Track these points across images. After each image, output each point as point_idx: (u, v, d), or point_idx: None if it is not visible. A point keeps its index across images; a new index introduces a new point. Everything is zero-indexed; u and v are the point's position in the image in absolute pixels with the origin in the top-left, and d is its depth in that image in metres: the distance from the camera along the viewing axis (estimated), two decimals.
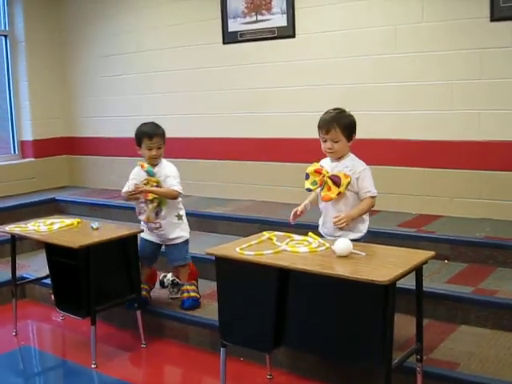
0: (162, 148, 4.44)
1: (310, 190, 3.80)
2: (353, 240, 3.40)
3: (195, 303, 4.41)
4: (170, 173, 4.39)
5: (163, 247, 4.59)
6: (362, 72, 5.56)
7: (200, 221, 5.76)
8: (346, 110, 3.82)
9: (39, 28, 7.69)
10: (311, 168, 3.74)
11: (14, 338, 4.69)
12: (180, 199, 4.49)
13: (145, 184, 4.31)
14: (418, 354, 3.23)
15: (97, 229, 4.26)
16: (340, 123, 3.67)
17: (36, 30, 7.66)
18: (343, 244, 3.21)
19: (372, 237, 4.31)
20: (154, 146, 4.38)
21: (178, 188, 4.34)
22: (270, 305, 3.21)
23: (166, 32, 6.82)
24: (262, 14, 6.04)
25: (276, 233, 3.62)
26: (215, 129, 6.56)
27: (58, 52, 7.86)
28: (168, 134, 6.80)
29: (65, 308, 4.31)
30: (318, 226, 3.91)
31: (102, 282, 4.08)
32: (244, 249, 3.29)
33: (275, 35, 6.00)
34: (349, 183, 3.62)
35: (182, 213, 4.54)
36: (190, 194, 6.60)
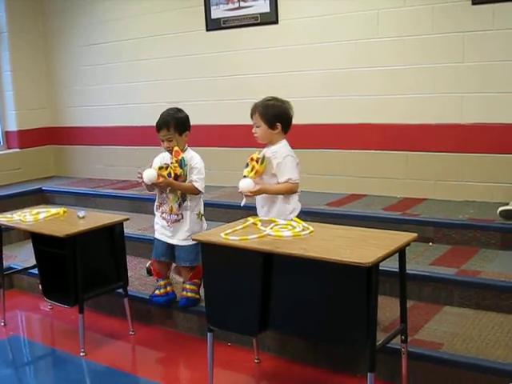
0: (174, 140, 4.23)
1: (245, 177, 3.83)
2: None
3: (190, 303, 4.29)
4: (195, 165, 4.27)
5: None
6: (345, 57, 5.58)
7: None
8: (286, 98, 4.02)
9: (21, 18, 7.64)
10: (250, 156, 3.86)
11: (2, 328, 4.71)
12: (201, 196, 4.41)
13: (164, 168, 4.17)
14: (402, 334, 3.27)
15: (83, 217, 4.27)
16: (261, 110, 3.87)
17: (18, 19, 7.61)
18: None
19: (357, 220, 4.36)
20: (164, 139, 4.24)
21: (198, 185, 4.24)
22: (255, 289, 3.23)
23: (150, 20, 6.81)
24: (244, 1, 6.04)
25: (261, 218, 3.65)
26: (199, 116, 6.54)
27: (41, 42, 7.83)
28: (150, 122, 6.84)
29: (53, 297, 4.33)
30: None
31: (89, 270, 4.10)
32: (229, 234, 3.31)
33: (258, 21, 6.00)
34: (263, 160, 3.78)
35: (203, 212, 4.44)
36: None
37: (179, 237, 4.29)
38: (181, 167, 4.18)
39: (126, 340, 4.34)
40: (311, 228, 3.35)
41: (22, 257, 5.56)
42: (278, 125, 3.85)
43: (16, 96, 7.63)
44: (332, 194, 5.65)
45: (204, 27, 6.37)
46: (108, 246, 4.26)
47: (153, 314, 4.53)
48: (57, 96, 7.89)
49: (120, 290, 4.36)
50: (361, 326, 2.98)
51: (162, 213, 4.34)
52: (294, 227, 3.38)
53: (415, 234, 3.23)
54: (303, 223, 3.44)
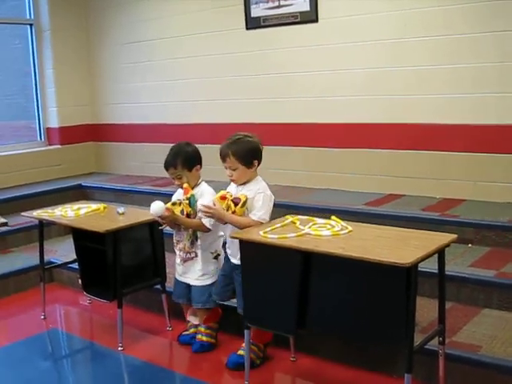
0: (184, 176, 4.00)
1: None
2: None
3: (205, 349, 4.06)
4: (205, 201, 3.87)
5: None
6: (383, 56, 5.55)
7: None
8: (250, 135, 3.77)
9: (64, 16, 7.75)
10: (217, 195, 3.70)
11: (42, 321, 4.79)
12: (221, 236, 4.09)
13: (178, 204, 3.98)
14: (440, 336, 3.25)
15: (123, 214, 4.31)
16: (234, 151, 3.64)
17: (61, 18, 7.72)
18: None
19: (395, 221, 4.33)
20: (173, 177, 4.04)
21: (206, 222, 3.87)
22: (293, 287, 3.25)
23: (190, 18, 6.84)
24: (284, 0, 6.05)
25: (299, 216, 3.65)
26: (238, 114, 6.58)
27: (82, 40, 7.93)
28: (190, 120, 6.89)
29: (92, 292, 4.39)
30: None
31: (128, 265, 4.15)
32: (267, 232, 3.33)
33: (298, 20, 5.99)
34: (245, 203, 3.57)
35: (220, 252, 4.08)
36: (214, 179, 6.64)
37: (192, 276, 4.07)
38: (190, 205, 3.96)
39: (164, 336, 4.38)
40: (350, 227, 3.35)
41: (62, 251, 5.65)
42: (255, 162, 3.68)
43: (58, 93, 7.74)
44: (370, 193, 5.64)
45: (244, 26, 6.38)
46: (147, 242, 4.30)
47: None
48: (98, 93, 7.98)
49: (158, 286, 4.40)
50: (399, 327, 2.97)
51: (179, 250, 4.12)
52: (333, 226, 3.38)
53: (455, 235, 3.21)
54: (342, 222, 3.44)
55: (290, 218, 3.59)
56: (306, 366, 3.86)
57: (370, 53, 5.62)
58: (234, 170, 3.66)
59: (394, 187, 5.62)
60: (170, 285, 4.51)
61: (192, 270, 4.07)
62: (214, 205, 3.63)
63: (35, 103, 7.93)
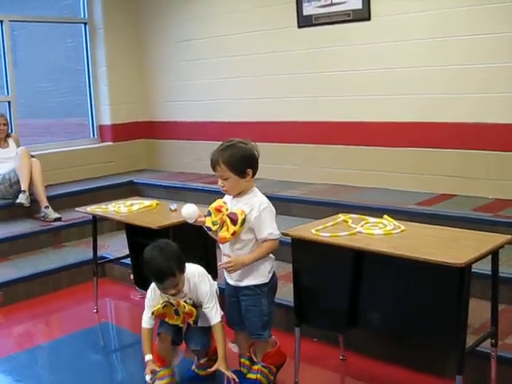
0: (181, 283, 3.37)
1: (209, 230, 3.36)
2: (255, 286, 3.36)
3: None
4: (204, 293, 3.44)
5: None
6: (438, 54, 5.49)
7: (273, 203, 5.75)
8: (246, 141, 3.41)
9: (117, 15, 7.88)
10: (213, 205, 3.35)
11: (94, 314, 4.88)
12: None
13: (169, 305, 3.41)
14: (492, 338, 3.22)
15: (175, 210, 4.35)
16: (225, 159, 3.25)
17: (114, 17, 7.85)
18: (188, 208, 3.41)
19: (447, 221, 4.29)
20: (168, 287, 3.34)
21: (217, 315, 3.43)
22: (344, 286, 3.26)
23: (241, 17, 6.88)
24: None
25: (351, 215, 3.65)
26: (290, 112, 6.59)
27: (134, 38, 8.04)
28: (242, 118, 6.92)
29: (144, 287, 4.43)
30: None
31: None
32: (319, 230, 3.33)
33: (350, 18, 5.98)
34: (244, 220, 3.23)
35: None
36: (264, 177, 6.67)
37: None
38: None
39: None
40: (402, 227, 3.34)
41: (114, 247, 5.73)
42: (249, 171, 3.29)
43: (110, 91, 7.87)
44: (421, 193, 5.59)
45: (296, 24, 6.38)
46: (199, 239, 4.30)
47: None
48: (149, 91, 8.08)
49: None
50: (450, 328, 2.96)
51: None
52: (386, 225, 3.37)
53: (509, 236, 3.17)
54: (394, 221, 3.42)
55: (342, 217, 3.59)
56: (356, 364, 3.85)
57: (422, 51, 5.56)
58: (225, 179, 3.29)
59: (446, 187, 5.56)
60: (220, 282, 4.54)
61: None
62: (211, 215, 3.32)
63: (88, 101, 8.07)
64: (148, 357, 3.47)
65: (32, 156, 6.50)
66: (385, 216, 3.54)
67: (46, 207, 6.29)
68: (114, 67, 7.87)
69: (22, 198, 6.20)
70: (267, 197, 5.68)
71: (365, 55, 5.95)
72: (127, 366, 4.26)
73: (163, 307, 3.37)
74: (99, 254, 5.16)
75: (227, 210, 3.30)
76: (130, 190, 7.07)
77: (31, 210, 6.37)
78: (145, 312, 3.53)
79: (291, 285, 3.59)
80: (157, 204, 4.57)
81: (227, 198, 3.42)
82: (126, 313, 5.24)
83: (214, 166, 3.31)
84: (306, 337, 3.88)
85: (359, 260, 3.22)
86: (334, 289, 3.30)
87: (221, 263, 3.37)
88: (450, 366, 3.21)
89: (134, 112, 8.11)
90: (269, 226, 3.29)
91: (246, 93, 6.93)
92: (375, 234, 3.27)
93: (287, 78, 6.57)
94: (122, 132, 7.97)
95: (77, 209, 4.83)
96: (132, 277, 4.66)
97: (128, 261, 5.01)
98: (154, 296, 3.47)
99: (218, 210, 3.29)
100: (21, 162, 6.35)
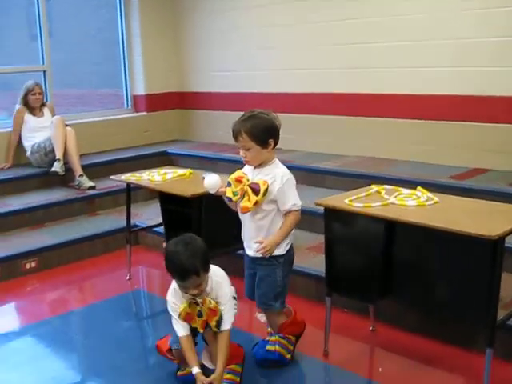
0: (205, 282, 3.11)
1: (230, 200, 3.37)
2: (271, 256, 3.34)
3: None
4: (225, 293, 3.23)
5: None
6: (476, 27, 5.40)
7: (307, 175, 5.82)
8: (268, 111, 3.37)
9: None
10: (233, 176, 3.34)
11: (127, 281, 4.96)
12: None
13: (193, 303, 3.16)
14: None
15: None
16: (247, 130, 3.25)
17: None
18: (210, 179, 3.41)
19: (480, 195, 4.25)
20: (190, 287, 3.09)
21: (229, 321, 3.21)
22: (376, 256, 3.27)
23: None
24: None
25: (385, 186, 3.64)
26: (324, 84, 6.56)
27: (170, 8, 8.01)
28: (277, 89, 6.91)
29: None
30: None
31: (212, 230, 4.22)
32: (353, 200, 3.34)
33: None
34: (266, 190, 3.23)
35: None
36: (298, 149, 6.69)
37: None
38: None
39: (245, 301, 4.41)
40: (436, 198, 3.33)
41: (147, 215, 5.79)
42: (271, 141, 3.28)
43: (145, 61, 7.88)
44: (454, 167, 5.54)
45: None
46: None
47: None
48: (184, 61, 8.07)
49: (240, 252, 4.46)
50: (482, 301, 2.96)
51: None
52: (419, 197, 3.37)
53: None
54: (428, 193, 3.42)
55: (375, 188, 3.59)
56: (385, 336, 3.87)
57: (458, 24, 5.47)
58: (247, 150, 3.28)
59: (480, 161, 5.51)
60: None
61: None
62: (231, 185, 3.32)
63: (122, 71, 8.09)
64: (195, 369, 3.10)
65: (67, 125, 6.56)
66: (418, 187, 3.53)
67: (81, 176, 6.36)
68: (148, 37, 7.87)
69: (57, 167, 6.27)
70: (301, 168, 5.80)
71: (401, 27, 5.86)
72: (158, 332, 4.29)
73: (189, 305, 3.14)
74: (132, 222, 5.19)
75: (248, 180, 3.29)
76: (163, 159, 7.08)
77: (66, 179, 6.45)
78: (173, 321, 3.21)
79: (322, 256, 3.62)
80: (190, 173, 4.60)
81: (247, 169, 3.41)
82: (158, 280, 5.30)
83: (236, 136, 3.31)
84: (337, 307, 3.92)
85: (391, 231, 3.22)
86: (366, 259, 3.31)
87: (257, 249, 3.35)
88: (481, 339, 3.21)
89: (168, 82, 8.11)
90: (292, 197, 3.31)
91: (280, 64, 6.90)
92: (408, 205, 3.27)
93: (322, 50, 6.51)
94: (156, 102, 7.99)
95: (111, 177, 4.88)
96: (164, 244, 4.70)
97: (161, 229, 5.08)
98: (175, 297, 3.21)
99: (239, 181, 3.29)
100: (56, 131, 6.41)
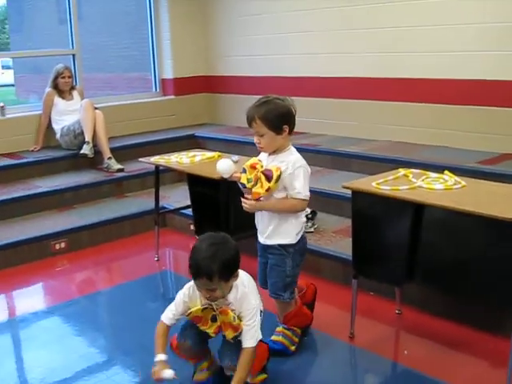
0: (221, 290, 2.88)
1: (244, 187, 3.32)
2: (281, 245, 3.32)
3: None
4: (251, 307, 2.97)
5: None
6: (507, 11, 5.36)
7: (334, 159, 5.84)
8: (286, 97, 3.32)
9: None
10: (248, 163, 3.30)
11: (155, 262, 5.02)
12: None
13: (210, 308, 2.97)
14: None
15: (236, 162, 4.37)
16: (260, 115, 3.20)
17: None
18: (223, 163, 3.42)
19: (509, 180, 4.23)
20: (201, 287, 2.90)
21: (254, 338, 2.96)
22: (403, 239, 3.28)
23: None
24: None
25: (412, 170, 3.65)
26: (352, 68, 6.54)
27: None
28: (305, 73, 6.90)
29: None
30: None
31: (240, 212, 4.24)
32: (380, 183, 3.35)
33: None
34: (279, 176, 3.17)
35: None
36: (325, 133, 6.70)
37: None
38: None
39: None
40: (463, 182, 3.33)
41: (175, 197, 5.85)
42: (286, 127, 3.22)
43: (173, 45, 7.89)
44: (482, 152, 5.51)
45: None
46: None
47: None
48: (212, 45, 8.09)
49: None
50: (510, 284, 2.96)
51: None
52: (446, 181, 3.37)
53: None
54: (455, 177, 3.42)
55: (402, 171, 3.60)
56: (411, 319, 3.89)
57: (488, 8, 5.42)
58: (261, 136, 3.24)
59: (509, 147, 5.48)
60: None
61: None
62: (246, 172, 3.28)
63: (151, 55, 8.12)
64: (160, 357, 2.95)
65: (96, 108, 6.63)
66: (445, 171, 3.54)
67: (109, 158, 6.43)
68: (177, 22, 7.89)
69: (86, 149, 6.34)
70: (328, 152, 5.81)
71: (430, 11, 5.81)
72: None
73: (203, 310, 2.96)
74: (160, 204, 5.23)
75: (262, 166, 3.25)
76: (191, 143, 7.12)
77: (94, 161, 6.53)
78: (171, 306, 3.08)
79: (348, 239, 3.65)
80: (219, 155, 4.63)
81: (263, 156, 3.38)
82: (185, 262, 5.28)
83: (250, 122, 3.27)
84: (363, 290, 3.93)
85: (418, 214, 3.23)
86: (393, 242, 3.33)
87: (244, 202, 3.35)
88: (508, 324, 3.21)
89: (197, 66, 8.12)
90: (298, 185, 3.22)
91: (309, 48, 6.89)
92: (436, 188, 3.28)
93: (351, 34, 6.48)
94: (184, 86, 8.01)
95: (140, 159, 4.93)
96: (192, 227, 4.76)
97: (188, 211, 5.14)
98: (192, 294, 3.03)
99: (253, 168, 3.25)
100: (85, 114, 6.48)
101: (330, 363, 3.52)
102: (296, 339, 3.53)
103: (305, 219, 3.46)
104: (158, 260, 5.03)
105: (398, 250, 3.32)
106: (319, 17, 6.74)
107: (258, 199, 3.27)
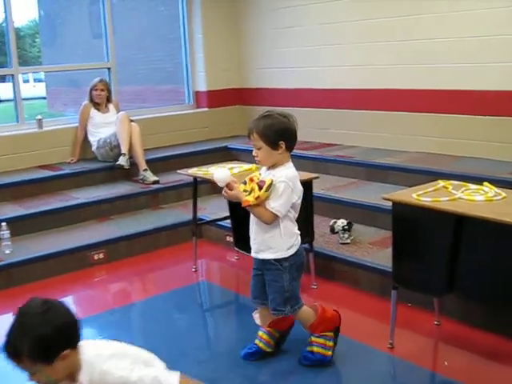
0: (43, 376, 2.21)
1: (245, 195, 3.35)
2: (276, 260, 3.34)
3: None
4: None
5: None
6: None
7: (369, 171, 5.86)
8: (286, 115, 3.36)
9: None
10: (249, 176, 3.39)
11: (193, 273, 5.08)
12: None
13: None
14: None
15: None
16: (258, 129, 3.27)
17: None
18: (220, 173, 3.40)
19: None
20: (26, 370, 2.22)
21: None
22: (444, 251, 3.30)
23: None
24: None
25: (452, 181, 3.66)
26: (385, 80, 6.56)
27: (231, 5, 8.09)
28: (338, 86, 6.93)
29: (242, 247, 4.57)
30: None
31: None
32: (420, 195, 3.38)
33: None
34: (269, 186, 3.21)
35: None
36: (358, 145, 6.72)
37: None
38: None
39: (309, 294, 4.48)
40: (504, 193, 3.35)
41: (210, 209, 5.89)
42: (282, 143, 3.25)
43: (206, 58, 7.97)
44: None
45: None
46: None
47: (335, 271, 4.69)
48: (244, 58, 8.16)
49: (306, 246, 4.52)
50: None
51: None
52: (486, 192, 3.39)
53: None
54: (495, 188, 3.43)
55: (442, 183, 3.62)
56: (450, 330, 3.89)
57: None
58: (258, 149, 3.30)
59: None
60: (316, 244, 4.64)
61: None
62: (246, 183, 3.35)
63: (184, 68, 8.21)
64: None
65: (131, 121, 6.71)
66: (485, 183, 3.54)
67: (145, 170, 6.51)
68: (210, 34, 7.97)
69: (123, 160, 6.42)
70: (362, 164, 5.82)
71: (464, 23, 5.82)
72: (224, 322, 4.41)
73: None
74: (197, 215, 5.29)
75: (258, 178, 3.31)
76: (224, 154, 7.18)
77: (130, 173, 6.60)
78: None
79: (385, 250, 3.68)
80: (256, 168, 4.67)
81: (263, 169, 3.44)
82: (222, 272, 5.41)
83: (248, 134, 3.35)
84: (401, 302, 3.93)
85: (459, 225, 3.25)
86: (434, 253, 3.34)
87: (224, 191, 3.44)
88: None
89: (229, 79, 8.19)
90: (278, 199, 3.24)
91: (341, 60, 6.92)
92: (476, 200, 3.29)
93: (383, 46, 6.51)
94: (218, 98, 8.08)
95: (178, 171, 5.00)
96: (228, 238, 4.80)
97: (224, 223, 5.20)
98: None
99: (251, 180, 3.32)
100: (121, 126, 6.57)
101: (370, 373, 3.53)
102: (330, 343, 3.53)
103: (298, 232, 3.44)
104: (195, 271, 5.09)
105: (437, 261, 3.34)
106: (350, 29, 6.79)
107: (247, 206, 3.30)
